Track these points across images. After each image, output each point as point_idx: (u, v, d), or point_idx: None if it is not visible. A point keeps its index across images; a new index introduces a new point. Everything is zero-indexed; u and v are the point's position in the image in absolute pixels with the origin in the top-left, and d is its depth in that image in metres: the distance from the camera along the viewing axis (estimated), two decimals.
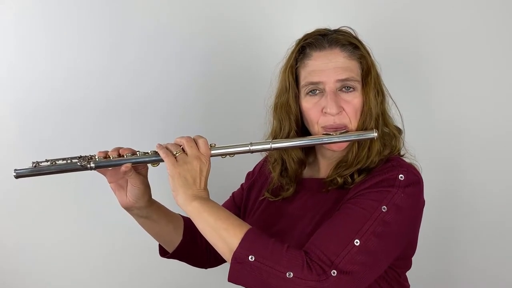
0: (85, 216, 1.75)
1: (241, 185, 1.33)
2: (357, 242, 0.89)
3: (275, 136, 1.12)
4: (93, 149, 1.71)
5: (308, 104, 1.04)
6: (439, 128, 1.55)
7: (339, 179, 1.03)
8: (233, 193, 1.33)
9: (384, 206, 0.93)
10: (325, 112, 1.01)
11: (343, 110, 1.01)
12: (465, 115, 1.53)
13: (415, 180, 0.99)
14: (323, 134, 1.03)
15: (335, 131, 1.01)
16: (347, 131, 1.02)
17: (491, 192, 1.55)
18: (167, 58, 1.66)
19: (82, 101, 1.70)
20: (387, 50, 1.46)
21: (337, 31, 1.07)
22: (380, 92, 1.06)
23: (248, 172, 1.34)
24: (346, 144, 1.03)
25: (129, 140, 1.71)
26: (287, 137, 1.08)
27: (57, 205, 1.75)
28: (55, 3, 1.66)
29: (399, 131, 1.10)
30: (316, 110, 1.03)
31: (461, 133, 1.54)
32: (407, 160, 1.08)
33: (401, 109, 1.13)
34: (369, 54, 1.07)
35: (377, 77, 1.07)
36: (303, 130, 1.11)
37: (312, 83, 1.03)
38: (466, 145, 1.54)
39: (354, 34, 1.08)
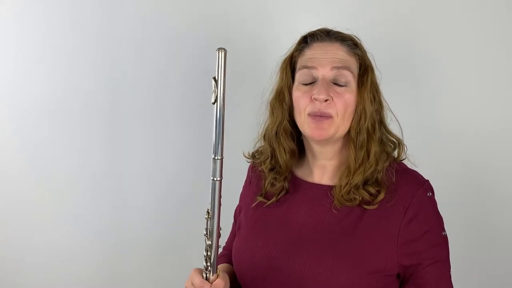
0: (84, 216, 1.75)
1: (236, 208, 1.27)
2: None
3: (265, 134, 1.10)
4: (91, 148, 1.73)
5: (299, 92, 1.02)
6: (444, 133, 1.52)
7: (357, 197, 0.99)
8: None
9: (444, 232, 1.03)
10: (314, 99, 0.99)
11: (332, 100, 0.99)
12: (468, 118, 1.50)
13: (432, 189, 1.03)
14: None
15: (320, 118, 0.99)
16: None
17: (497, 195, 1.52)
18: (163, 57, 1.67)
19: (80, 102, 1.71)
20: (388, 54, 1.44)
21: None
22: (377, 100, 1.03)
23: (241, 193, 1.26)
24: (327, 134, 1.00)
25: (127, 139, 1.72)
26: (278, 128, 1.07)
27: (56, 204, 1.75)
28: (53, 5, 1.67)
29: (399, 141, 1.07)
30: (305, 98, 1.00)
31: (464, 136, 1.51)
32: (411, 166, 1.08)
33: (405, 113, 1.10)
34: (369, 59, 1.06)
35: (375, 83, 1.05)
36: (293, 124, 1.07)
37: (306, 67, 1.02)
38: (470, 149, 1.52)
39: (358, 40, 1.07)
